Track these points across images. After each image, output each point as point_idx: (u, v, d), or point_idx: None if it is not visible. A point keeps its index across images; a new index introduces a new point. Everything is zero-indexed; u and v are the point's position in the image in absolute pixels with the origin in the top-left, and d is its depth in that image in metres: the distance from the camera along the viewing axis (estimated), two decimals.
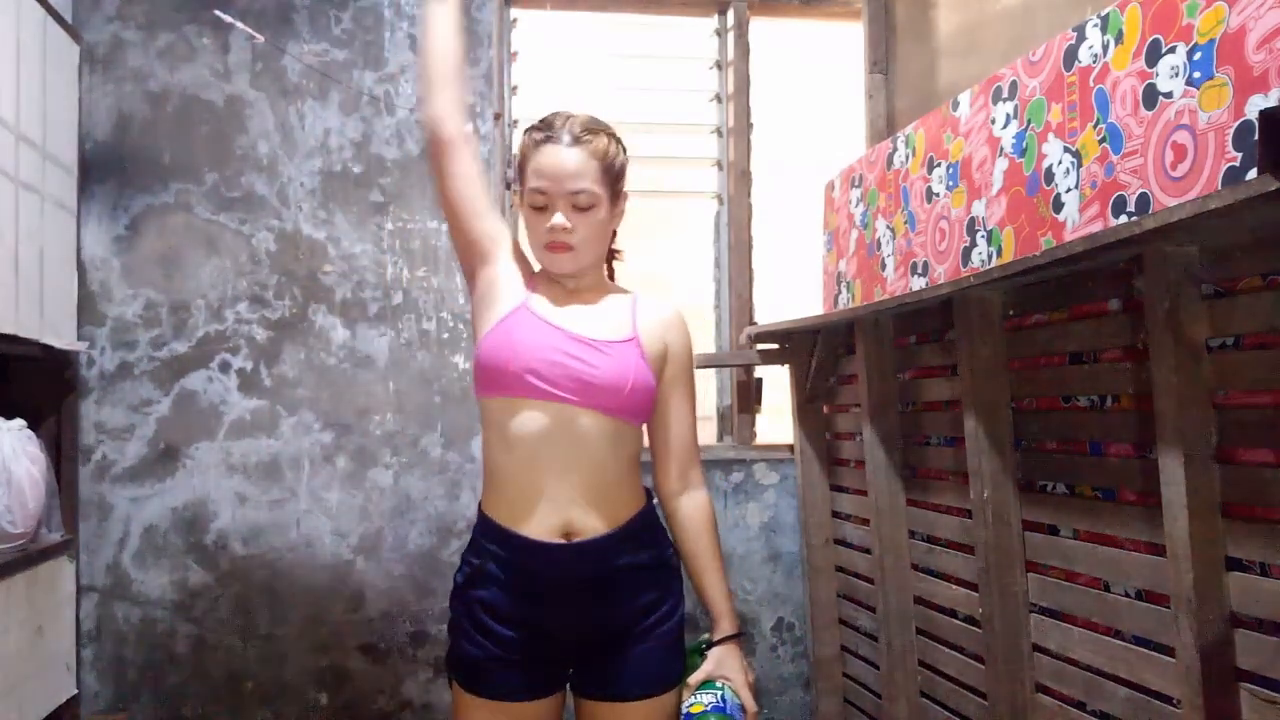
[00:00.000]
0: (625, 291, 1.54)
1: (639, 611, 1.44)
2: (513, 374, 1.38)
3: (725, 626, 1.46)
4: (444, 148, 1.47)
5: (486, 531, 1.44)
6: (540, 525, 1.39)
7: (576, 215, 1.42)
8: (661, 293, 1.57)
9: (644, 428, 1.50)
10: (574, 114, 1.47)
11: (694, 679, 1.43)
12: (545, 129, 1.45)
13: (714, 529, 1.51)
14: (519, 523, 1.40)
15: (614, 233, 1.53)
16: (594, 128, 1.46)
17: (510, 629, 1.41)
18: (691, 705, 1.39)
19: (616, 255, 1.57)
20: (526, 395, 1.38)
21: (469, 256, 1.51)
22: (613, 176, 1.46)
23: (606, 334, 1.43)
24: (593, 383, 1.38)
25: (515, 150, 2.86)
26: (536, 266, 1.53)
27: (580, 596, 1.41)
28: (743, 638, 1.50)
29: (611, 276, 1.58)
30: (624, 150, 1.50)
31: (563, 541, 1.39)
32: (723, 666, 1.44)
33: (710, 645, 1.46)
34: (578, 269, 1.46)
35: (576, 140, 1.43)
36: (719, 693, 1.40)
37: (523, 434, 1.39)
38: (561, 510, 1.39)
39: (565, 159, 1.41)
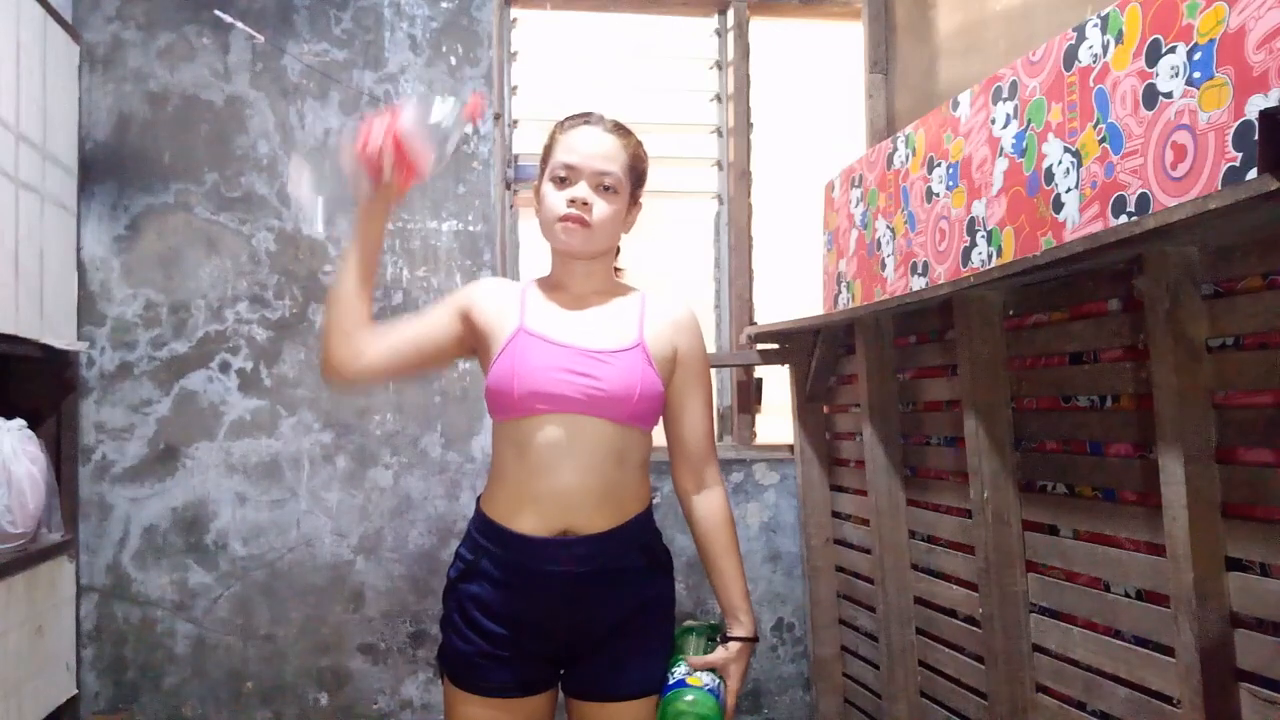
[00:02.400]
0: (634, 291, 1.53)
1: (630, 611, 1.44)
2: (518, 398, 1.39)
3: (745, 625, 1.46)
4: (384, 367, 1.45)
5: (483, 528, 1.45)
6: (539, 524, 1.39)
7: (599, 196, 1.43)
8: (673, 295, 1.56)
9: (657, 428, 1.50)
10: (606, 115, 1.50)
11: (701, 660, 1.43)
12: (581, 116, 1.48)
13: (729, 527, 1.50)
14: (517, 520, 1.40)
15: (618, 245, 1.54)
16: (627, 129, 1.50)
17: (502, 625, 1.41)
18: (690, 677, 1.40)
19: (618, 272, 1.57)
20: (535, 414, 1.39)
21: (470, 341, 1.50)
22: (636, 177, 1.49)
23: (611, 343, 1.43)
24: (598, 395, 1.39)
25: (517, 147, 2.87)
26: (529, 266, 1.53)
27: (572, 594, 1.41)
28: (757, 644, 1.50)
29: None
30: (647, 161, 1.51)
31: (556, 538, 1.39)
32: (731, 664, 1.44)
33: (726, 639, 1.46)
34: (588, 251, 1.46)
35: (610, 130, 1.46)
36: (718, 683, 1.41)
37: (534, 445, 1.39)
38: (564, 512, 1.39)
39: (598, 140, 1.44)
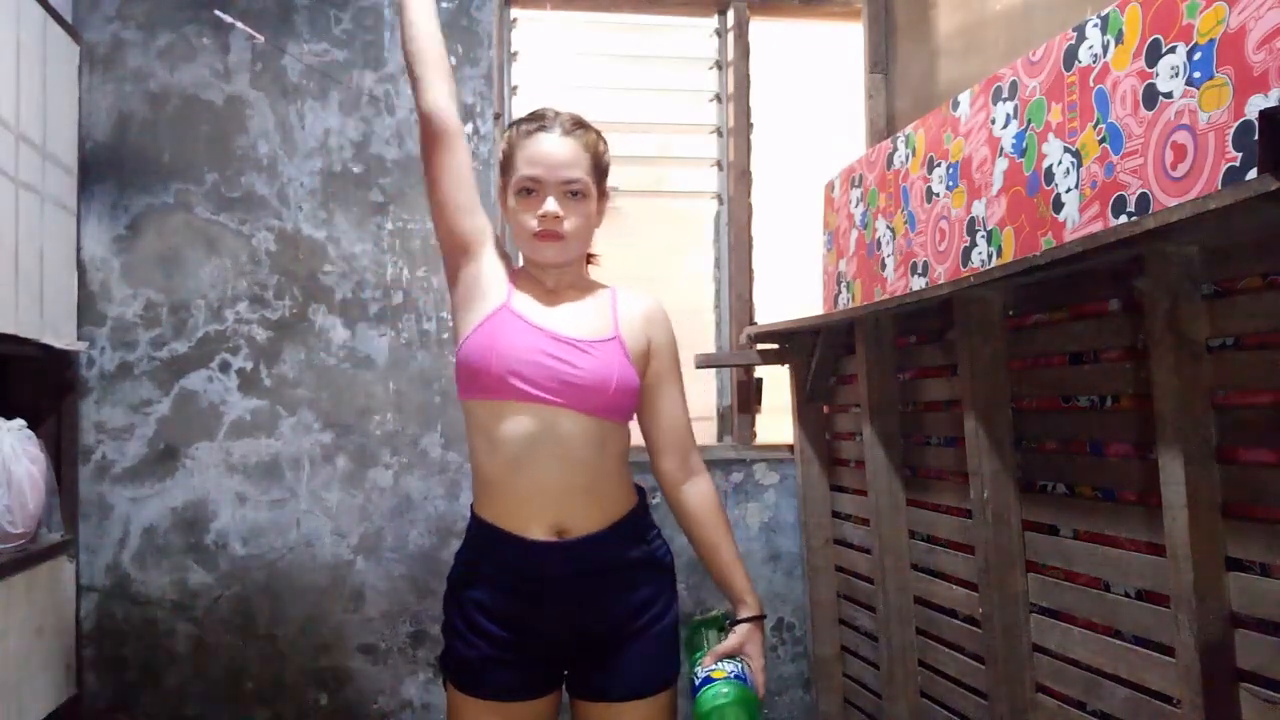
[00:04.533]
0: (604, 287, 1.54)
1: (632, 610, 1.44)
2: (495, 376, 1.37)
3: (750, 605, 1.46)
4: (441, 140, 1.45)
5: (479, 531, 1.45)
6: (531, 525, 1.39)
7: (568, 204, 1.42)
8: (661, 293, 1.56)
9: (632, 423, 1.50)
10: (560, 110, 1.48)
11: (719, 649, 1.44)
12: (536, 120, 1.46)
13: (722, 512, 1.51)
14: (510, 522, 1.40)
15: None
16: (584, 123, 1.48)
17: (504, 629, 1.41)
18: (714, 670, 1.41)
19: (593, 259, 1.57)
20: (510, 398, 1.38)
21: (455, 252, 1.49)
22: (601, 172, 1.48)
23: (589, 333, 1.43)
24: (576, 383, 1.38)
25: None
26: (519, 262, 1.53)
27: (573, 595, 1.41)
28: (764, 620, 1.50)
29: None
30: (608, 150, 1.51)
31: (555, 540, 1.39)
32: (747, 645, 1.44)
33: (735, 622, 1.47)
34: (565, 260, 1.46)
35: (569, 132, 1.44)
36: (740, 665, 1.42)
37: (507, 437, 1.38)
38: (551, 510, 1.39)
39: (559, 148, 1.42)
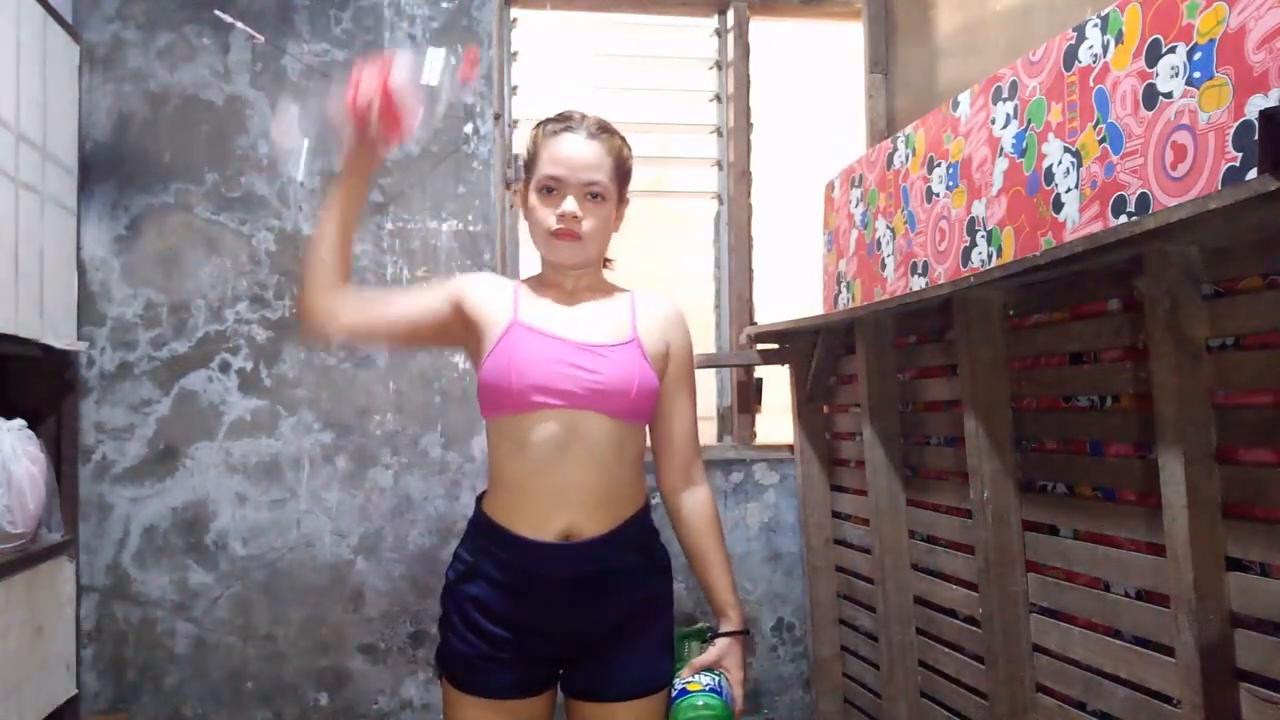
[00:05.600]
0: (623, 290, 1.54)
1: (629, 612, 1.44)
2: (517, 392, 1.38)
3: (733, 620, 1.47)
4: (364, 324, 1.47)
5: (483, 529, 1.45)
6: (540, 526, 1.39)
7: (587, 206, 1.43)
8: (661, 293, 1.56)
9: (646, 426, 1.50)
10: (587, 113, 1.48)
11: (697, 661, 1.45)
12: (563, 120, 1.46)
13: (717, 524, 1.51)
14: (519, 523, 1.40)
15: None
16: (610, 127, 1.49)
17: (501, 627, 1.41)
18: (690, 683, 1.41)
19: (608, 263, 1.57)
20: (534, 410, 1.38)
21: (456, 331, 1.50)
22: (622, 177, 1.49)
23: (607, 337, 1.43)
24: (598, 388, 1.38)
25: (517, 148, 2.87)
26: (529, 266, 1.53)
27: (572, 596, 1.41)
28: (748, 635, 1.50)
29: None
30: (632, 156, 1.51)
31: (559, 542, 1.39)
32: (726, 658, 1.45)
33: (715, 635, 1.47)
34: (581, 261, 1.46)
35: (594, 135, 1.45)
36: (718, 679, 1.42)
37: (535, 442, 1.38)
38: (565, 513, 1.39)
39: (583, 149, 1.43)
